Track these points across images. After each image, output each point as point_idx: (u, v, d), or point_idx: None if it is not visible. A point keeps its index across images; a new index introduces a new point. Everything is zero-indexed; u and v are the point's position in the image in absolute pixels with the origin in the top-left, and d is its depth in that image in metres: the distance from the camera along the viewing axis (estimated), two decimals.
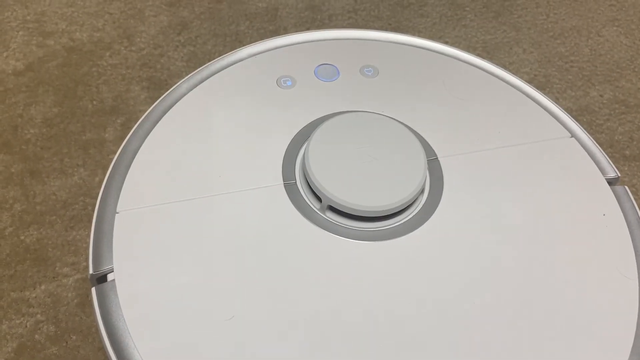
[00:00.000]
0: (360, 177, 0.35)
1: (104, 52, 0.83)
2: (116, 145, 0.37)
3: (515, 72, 0.46)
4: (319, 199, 0.36)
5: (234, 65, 0.45)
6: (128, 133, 0.39)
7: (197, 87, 0.43)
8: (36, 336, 0.56)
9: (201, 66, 0.44)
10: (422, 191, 0.37)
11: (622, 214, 0.36)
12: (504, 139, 0.40)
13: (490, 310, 0.32)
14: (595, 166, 0.39)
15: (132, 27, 0.87)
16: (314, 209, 0.36)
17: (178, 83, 0.43)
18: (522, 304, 0.32)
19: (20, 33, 0.85)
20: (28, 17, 0.87)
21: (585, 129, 0.42)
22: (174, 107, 0.41)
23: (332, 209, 0.35)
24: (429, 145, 0.39)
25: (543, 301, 0.32)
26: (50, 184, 0.67)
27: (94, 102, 0.76)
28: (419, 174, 0.35)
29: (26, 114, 0.74)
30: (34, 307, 0.58)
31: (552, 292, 0.32)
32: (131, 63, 0.82)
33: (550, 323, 0.31)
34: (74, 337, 0.56)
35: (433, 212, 0.36)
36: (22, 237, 0.63)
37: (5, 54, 0.82)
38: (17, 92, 0.77)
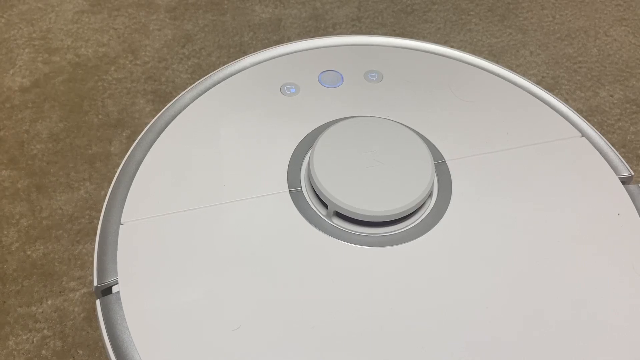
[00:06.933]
0: (366, 182, 0.34)
1: (109, 66, 0.83)
2: (122, 159, 0.37)
3: (522, 75, 0.45)
4: (325, 206, 0.35)
5: (237, 74, 0.44)
6: None
7: (201, 96, 0.42)
8: (43, 352, 0.56)
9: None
10: (430, 195, 0.36)
11: (637, 213, 0.36)
12: (512, 140, 0.39)
13: (503, 315, 0.31)
14: (607, 165, 0.38)
15: (137, 41, 0.87)
16: (321, 215, 0.35)
17: (181, 94, 0.42)
18: (536, 307, 0.31)
19: (27, 50, 0.85)
20: (34, 35, 0.88)
21: (596, 129, 0.41)
22: (177, 118, 0.41)
23: (339, 215, 0.35)
24: (436, 148, 0.39)
25: (558, 304, 0.31)
26: (56, 199, 0.67)
27: (100, 116, 0.77)
28: (427, 178, 0.35)
29: (32, 130, 0.75)
30: (40, 322, 0.57)
31: (567, 295, 0.32)
32: (136, 77, 0.82)
33: (565, 326, 0.30)
34: (81, 352, 0.55)
35: (442, 216, 0.35)
36: (29, 252, 0.63)
37: (11, 71, 0.82)
38: (23, 109, 0.77)
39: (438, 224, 0.35)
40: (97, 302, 0.32)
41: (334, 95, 0.42)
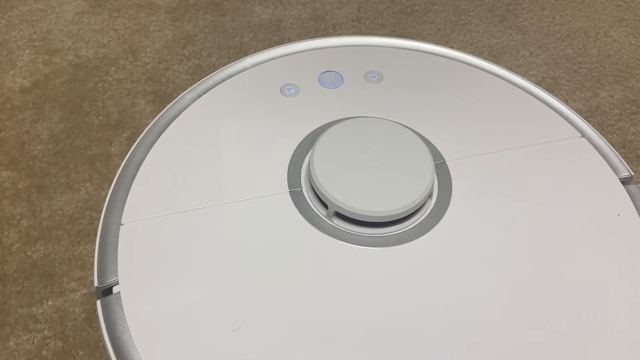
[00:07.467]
0: (366, 182, 0.35)
1: (110, 67, 0.83)
2: (122, 159, 0.37)
3: (522, 75, 0.45)
4: (325, 206, 0.35)
5: (237, 75, 0.44)
6: None
7: (201, 97, 0.42)
8: (43, 352, 0.56)
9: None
10: (430, 195, 0.36)
11: (637, 213, 0.36)
12: (512, 140, 0.39)
13: (503, 315, 0.31)
14: (607, 165, 0.38)
15: (137, 42, 0.87)
16: (321, 216, 0.35)
17: (182, 94, 0.42)
18: (536, 307, 0.31)
19: (27, 51, 0.85)
20: (34, 36, 0.88)
21: (596, 130, 0.41)
22: (177, 118, 0.41)
23: (339, 215, 0.35)
24: (436, 149, 0.39)
25: (558, 304, 0.31)
26: (56, 199, 0.67)
27: (100, 117, 0.77)
28: (427, 178, 0.35)
29: (33, 131, 0.75)
30: (41, 322, 0.57)
31: (567, 295, 0.32)
32: (136, 77, 0.82)
33: (565, 326, 0.30)
34: (81, 353, 0.55)
35: (442, 216, 0.35)
36: (29, 253, 0.63)
37: (12, 72, 0.82)
38: (23, 109, 0.77)
39: (438, 224, 0.35)
40: (98, 302, 0.32)
41: (334, 96, 0.42)
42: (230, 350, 0.29)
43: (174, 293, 0.31)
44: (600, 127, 0.77)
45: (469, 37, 0.89)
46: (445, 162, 0.38)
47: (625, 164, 0.39)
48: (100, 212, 0.35)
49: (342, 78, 0.44)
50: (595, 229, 0.35)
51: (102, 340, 0.31)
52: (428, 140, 0.39)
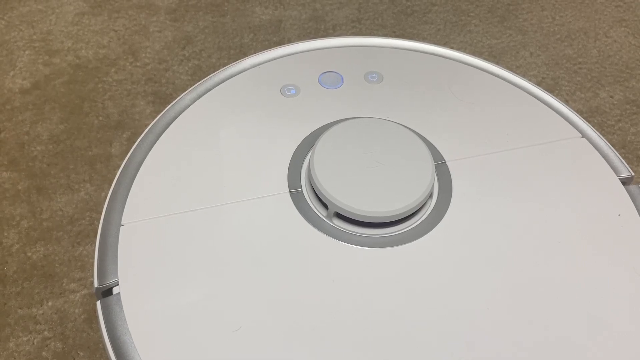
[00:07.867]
0: (367, 183, 0.35)
1: (110, 68, 0.83)
2: (122, 160, 0.37)
3: (522, 76, 0.45)
4: (325, 207, 0.35)
5: (237, 76, 0.44)
6: None
7: (201, 98, 0.42)
8: (43, 353, 0.56)
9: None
10: (431, 196, 0.36)
11: (637, 213, 0.35)
12: (512, 141, 0.39)
13: (503, 315, 0.31)
14: (608, 166, 0.38)
15: (137, 43, 0.87)
16: (321, 216, 0.35)
17: (182, 95, 0.42)
18: (536, 307, 0.31)
19: (27, 52, 0.85)
20: (34, 37, 0.88)
21: (596, 130, 0.41)
22: (177, 119, 0.41)
23: (339, 216, 0.35)
24: (436, 149, 0.39)
25: (558, 304, 0.31)
26: (56, 200, 0.67)
27: (100, 118, 0.77)
28: (427, 179, 0.35)
29: (33, 131, 0.75)
30: (41, 323, 0.57)
31: (568, 295, 0.32)
32: (136, 78, 0.82)
33: (565, 326, 0.30)
34: (81, 354, 0.55)
35: (442, 217, 0.35)
36: (29, 254, 0.63)
37: (12, 73, 0.82)
38: (23, 110, 0.77)
39: (438, 224, 0.35)
40: (98, 303, 0.32)
41: (334, 97, 0.42)
42: (231, 351, 0.29)
43: (174, 294, 0.31)
44: (600, 128, 0.77)
45: (469, 38, 0.89)
46: (445, 162, 0.38)
47: (625, 164, 0.39)
48: (100, 213, 0.35)
49: (342, 78, 0.44)
50: (595, 229, 0.35)
51: (102, 341, 0.31)
52: (428, 140, 0.39)
